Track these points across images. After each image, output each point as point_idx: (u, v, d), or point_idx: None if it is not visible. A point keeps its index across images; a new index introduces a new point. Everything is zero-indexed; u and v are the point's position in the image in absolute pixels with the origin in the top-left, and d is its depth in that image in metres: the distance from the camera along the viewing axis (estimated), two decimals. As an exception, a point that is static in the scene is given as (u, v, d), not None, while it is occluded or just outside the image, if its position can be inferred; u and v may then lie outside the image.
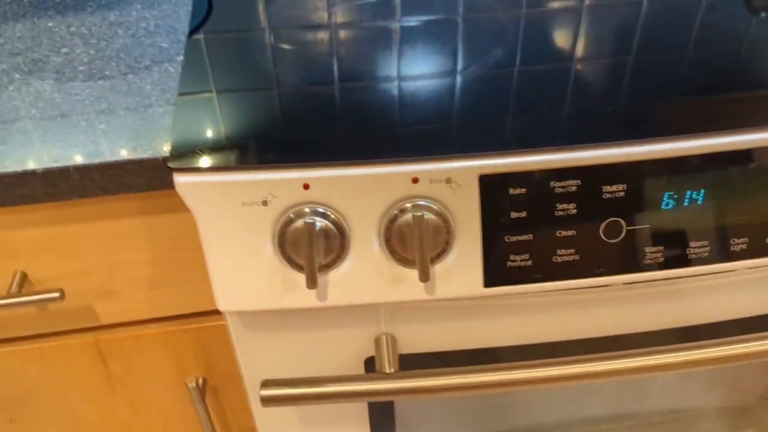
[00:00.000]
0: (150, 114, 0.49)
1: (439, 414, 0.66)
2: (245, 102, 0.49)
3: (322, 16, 0.60)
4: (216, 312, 0.59)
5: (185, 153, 0.44)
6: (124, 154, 0.45)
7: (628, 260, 0.47)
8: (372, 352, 0.55)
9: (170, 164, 0.43)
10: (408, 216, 0.44)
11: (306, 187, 0.43)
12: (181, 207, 0.49)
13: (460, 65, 0.53)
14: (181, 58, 0.55)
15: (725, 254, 0.47)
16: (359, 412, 0.60)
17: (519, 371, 0.49)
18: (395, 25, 0.58)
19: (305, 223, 0.43)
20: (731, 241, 0.47)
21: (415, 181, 0.43)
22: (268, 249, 0.45)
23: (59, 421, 0.64)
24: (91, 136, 0.47)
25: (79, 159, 0.45)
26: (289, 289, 0.46)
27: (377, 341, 0.53)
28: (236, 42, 0.56)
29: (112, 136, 0.47)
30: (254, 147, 0.45)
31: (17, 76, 0.53)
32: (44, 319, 0.56)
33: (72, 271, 0.52)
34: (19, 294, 0.50)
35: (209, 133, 0.46)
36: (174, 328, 0.58)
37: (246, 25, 0.59)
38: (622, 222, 0.46)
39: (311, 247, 0.42)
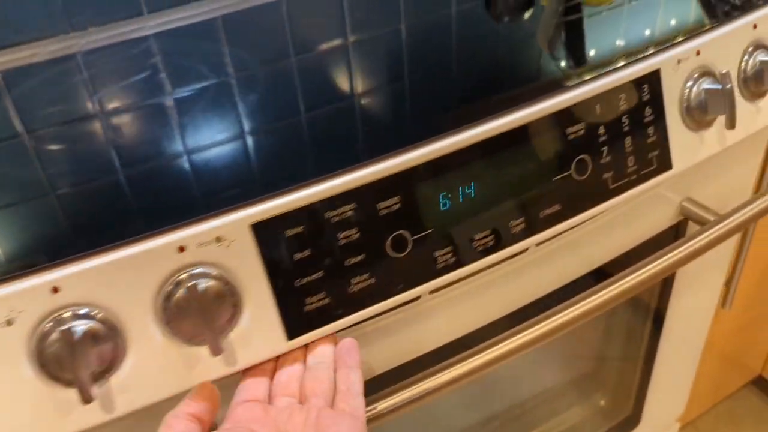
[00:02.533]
0: None
1: None
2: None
3: (88, 105, 0.54)
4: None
5: None
6: None
7: (422, 269, 0.46)
8: None
9: None
10: (182, 290, 0.39)
11: (55, 290, 0.37)
12: None
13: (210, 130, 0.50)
14: None
15: (509, 238, 0.48)
16: None
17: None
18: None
19: (61, 332, 0.37)
20: (510, 224, 0.48)
21: (182, 249, 0.39)
22: (28, 375, 0.38)
23: None
24: None
25: None
26: (69, 411, 0.39)
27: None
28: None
29: None
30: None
31: None
32: None
33: None
34: None
35: None
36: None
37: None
38: (406, 234, 0.45)
39: (76, 356, 0.37)
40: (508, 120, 0.46)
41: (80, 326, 0.38)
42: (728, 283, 0.82)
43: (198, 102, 0.53)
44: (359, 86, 0.54)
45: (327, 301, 0.44)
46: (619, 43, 0.55)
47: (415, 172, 0.44)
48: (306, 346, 0.45)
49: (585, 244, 0.59)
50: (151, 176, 0.45)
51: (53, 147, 0.49)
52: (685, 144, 0.54)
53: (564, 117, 0.48)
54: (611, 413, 0.86)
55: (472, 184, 0.47)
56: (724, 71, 0.51)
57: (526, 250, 0.51)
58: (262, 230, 0.41)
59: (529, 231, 0.49)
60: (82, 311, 0.38)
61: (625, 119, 0.50)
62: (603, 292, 0.53)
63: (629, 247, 0.63)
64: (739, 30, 0.54)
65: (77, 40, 0.64)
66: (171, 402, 0.40)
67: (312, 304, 0.43)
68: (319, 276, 0.43)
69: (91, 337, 0.38)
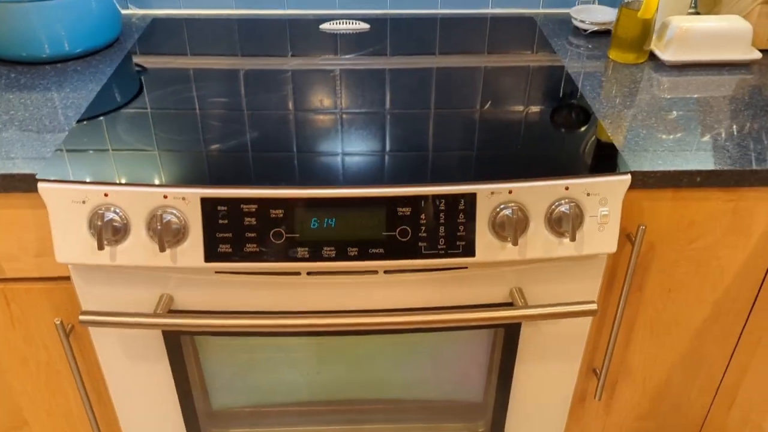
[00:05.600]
0: (43, 152, 0.87)
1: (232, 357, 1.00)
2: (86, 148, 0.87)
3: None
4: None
5: (45, 173, 0.82)
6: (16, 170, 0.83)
7: (287, 254, 0.82)
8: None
9: (37, 177, 0.81)
10: (161, 217, 0.80)
11: (106, 195, 0.80)
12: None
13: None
14: (73, 126, 0.93)
15: (344, 256, 0.82)
16: (158, 345, 0.94)
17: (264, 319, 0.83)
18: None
19: (102, 214, 0.79)
20: (348, 249, 0.82)
21: (165, 197, 0.80)
22: (83, 228, 0.81)
23: (-22, 344, 0.99)
24: (5, 160, 0.84)
25: (-7, 171, 0.82)
26: (93, 252, 0.82)
27: (160, 297, 0.88)
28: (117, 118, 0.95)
29: (16, 159, 0.84)
30: (78, 172, 0.82)
31: (-22, 124, 0.92)
32: (-27, 270, 0.92)
33: (-10, 240, 0.89)
34: (-45, 248, 0.87)
35: (60, 167, 0.84)
36: (51, 286, 0.94)
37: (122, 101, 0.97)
38: (283, 231, 0.81)
39: (100, 229, 0.79)
40: (368, 191, 0.80)
41: (110, 216, 0.80)
42: (598, 375, 1.04)
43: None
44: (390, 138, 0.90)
45: (230, 249, 0.82)
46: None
47: (300, 201, 0.80)
48: None
49: (432, 284, 0.90)
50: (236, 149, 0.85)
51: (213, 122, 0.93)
52: (488, 244, 0.82)
53: (398, 201, 0.80)
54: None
55: (334, 219, 0.81)
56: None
57: (373, 271, 0.84)
58: (206, 201, 0.80)
59: (358, 257, 0.82)
60: (115, 210, 0.80)
61: (443, 215, 0.81)
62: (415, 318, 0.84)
63: (468, 302, 0.91)
64: (552, 186, 0.81)
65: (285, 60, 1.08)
66: (161, 273, 0.82)
67: (222, 248, 0.81)
68: (229, 236, 0.81)
69: (113, 222, 0.80)
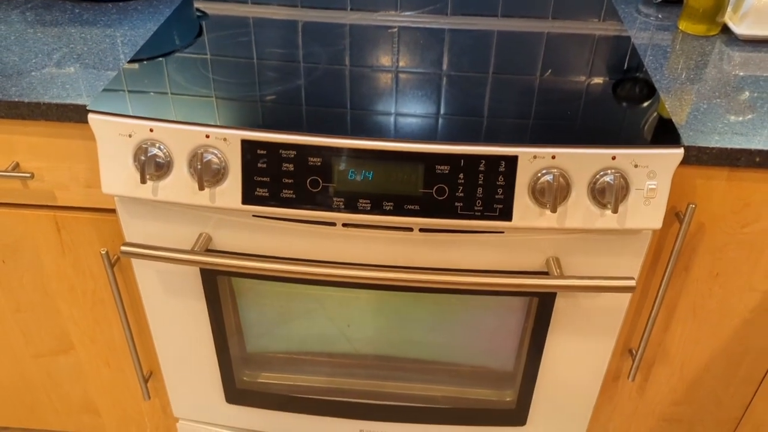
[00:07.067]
0: (98, 86, 0.89)
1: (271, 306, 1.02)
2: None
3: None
4: (126, 212, 0.97)
5: (96, 104, 0.84)
6: (70, 100, 0.85)
7: (323, 202, 0.82)
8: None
9: (88, 108, 0.83)
10: (202, 156, 0.81)
11: (151, 130, 0.82)
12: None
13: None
14: (126, 64, 0.95)
15: (379, 210, 0.82)
16: (196, 284, 0.96)
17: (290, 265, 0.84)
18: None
19: (146, 149, 0.81)
20: (383, 203, 0.81)
21: (207, 136, 0.81)
22: (129, 162, 0.83)
23: (32, 266, 1.04)
24: (61, 91, 0.87)
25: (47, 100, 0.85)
26: (136, 186, 0.84)
27: (199, 235, 0.90)
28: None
29: (71, 91, 0.87)
30: (127, 107, 0.84)
31: (47, 59, 0.95)
32: (28, 195, 0.96)
33: (44, 167, 0.93)
34: (9, 171, 0.91)
35: (111, 100, 0.86)
36: (99, 217, 0.98)
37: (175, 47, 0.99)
38: (320, 180, 0.81)
39: (144, 163, 0.81)
40: (407, 145, 0.79)
41: (153, 151, 0.81)
42: (633, 356, 1.02)
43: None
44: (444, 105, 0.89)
45: (267, 194, 0.82)
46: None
47: (337, 150, 0.80)
48: None
49: (467, 247, 0.89)
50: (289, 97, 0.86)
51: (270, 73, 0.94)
52: (526, 210, 0.81)
53: (437, 158, 0.79)
54: (508, 403, 1.10)
55: (371, 171, 0.81)
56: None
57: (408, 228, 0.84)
58: (246, 144, 0.81)
59: (393, 212, 0.81)
60: (159, 146, 0.82)
61: (482, 176, 0.79)
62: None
63: (503, 268, 0.90)
64: (597, 154, 0.78)
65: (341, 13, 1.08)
66: (203, 212, 0.83)
67: (259, 192, 0.82)
68: (266, 180, 0.82)
69: (155, 158, 0.82)
